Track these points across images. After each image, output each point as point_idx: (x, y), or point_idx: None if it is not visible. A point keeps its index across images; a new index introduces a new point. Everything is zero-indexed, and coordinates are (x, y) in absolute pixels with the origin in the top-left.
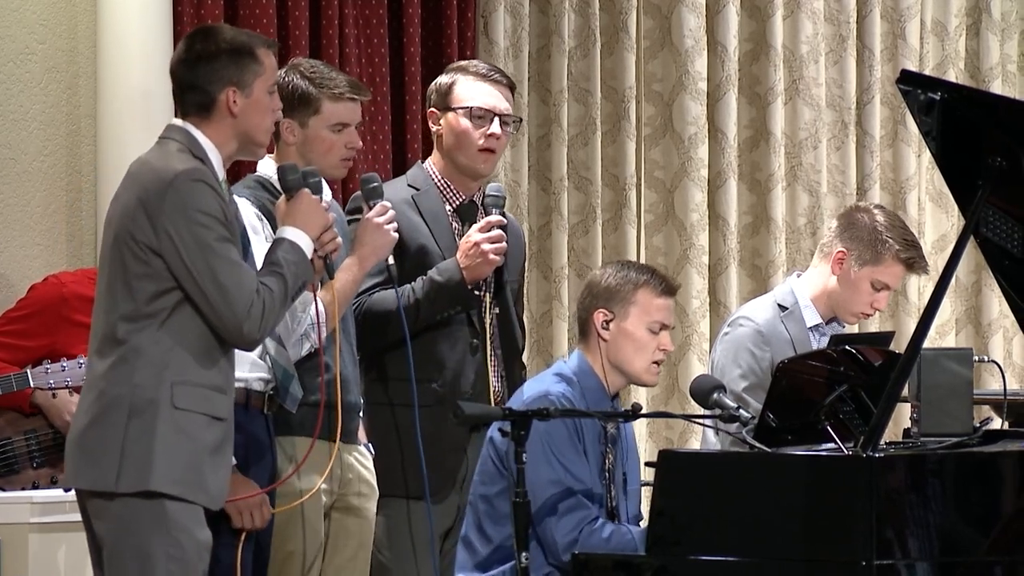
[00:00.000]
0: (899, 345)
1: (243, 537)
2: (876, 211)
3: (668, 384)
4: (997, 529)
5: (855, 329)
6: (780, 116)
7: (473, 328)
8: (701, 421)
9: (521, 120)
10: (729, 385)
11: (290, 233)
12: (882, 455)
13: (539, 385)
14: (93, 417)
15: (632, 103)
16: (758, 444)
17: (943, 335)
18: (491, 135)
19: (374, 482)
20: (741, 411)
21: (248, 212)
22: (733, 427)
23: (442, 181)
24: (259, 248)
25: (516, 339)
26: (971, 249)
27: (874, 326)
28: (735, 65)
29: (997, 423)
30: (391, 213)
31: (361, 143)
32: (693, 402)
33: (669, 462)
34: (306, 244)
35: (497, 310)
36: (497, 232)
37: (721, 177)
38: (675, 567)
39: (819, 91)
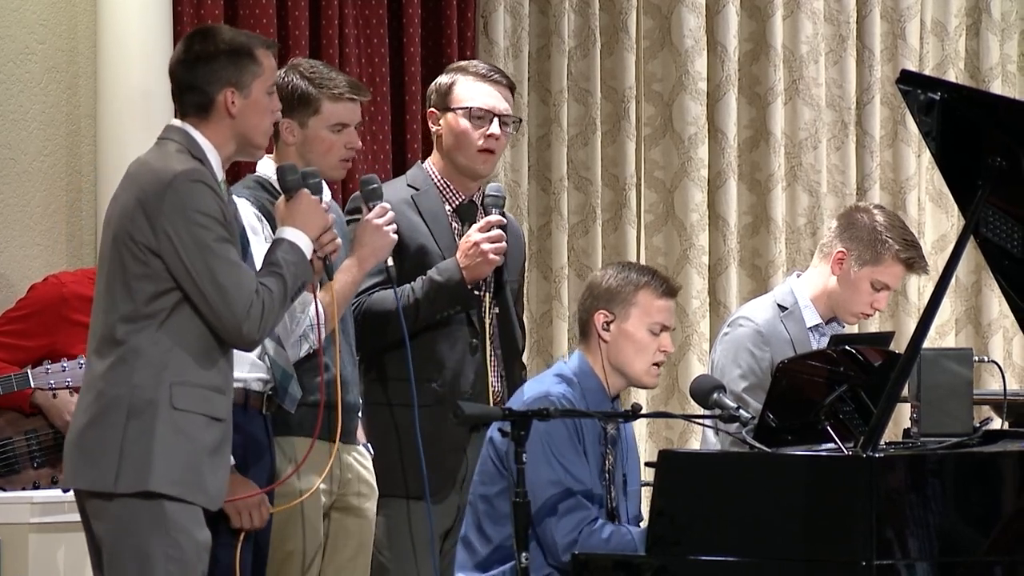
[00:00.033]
0: (899, 345)
1: (242, 537)
2: (876, 211)
3: (668, 384)
4: (997, 529)
5: (855, 329)
6: (780, 116)
7: (473, 328)
8: (701, 421)
9: (520, 120)
10: (729, 385)
11: (289, 233)
12: (882, 455)
13: (540, 386)
14: (92, 417)
15: (632, 103)
16: (758, 444)
17: (943, 335)
18: (490, 135)
19: (373, 482)
20: (741, 411)
21: (248, 213)
22: (733, 427)
23: (442, 181)
24: (258, 249)
25: (516, 339)
26: (971, 249)
27: (874, 326)
28: (735, 65)
29: (997, 423)
30: (390, 215)
31: (360, 143)
32: (693, 402)
33: (669, 462)
34: (305, 245)
35: (497, 310)
36: (497, 232)
37: (721, 177)
38: (675, 567)
39: (819, 91)
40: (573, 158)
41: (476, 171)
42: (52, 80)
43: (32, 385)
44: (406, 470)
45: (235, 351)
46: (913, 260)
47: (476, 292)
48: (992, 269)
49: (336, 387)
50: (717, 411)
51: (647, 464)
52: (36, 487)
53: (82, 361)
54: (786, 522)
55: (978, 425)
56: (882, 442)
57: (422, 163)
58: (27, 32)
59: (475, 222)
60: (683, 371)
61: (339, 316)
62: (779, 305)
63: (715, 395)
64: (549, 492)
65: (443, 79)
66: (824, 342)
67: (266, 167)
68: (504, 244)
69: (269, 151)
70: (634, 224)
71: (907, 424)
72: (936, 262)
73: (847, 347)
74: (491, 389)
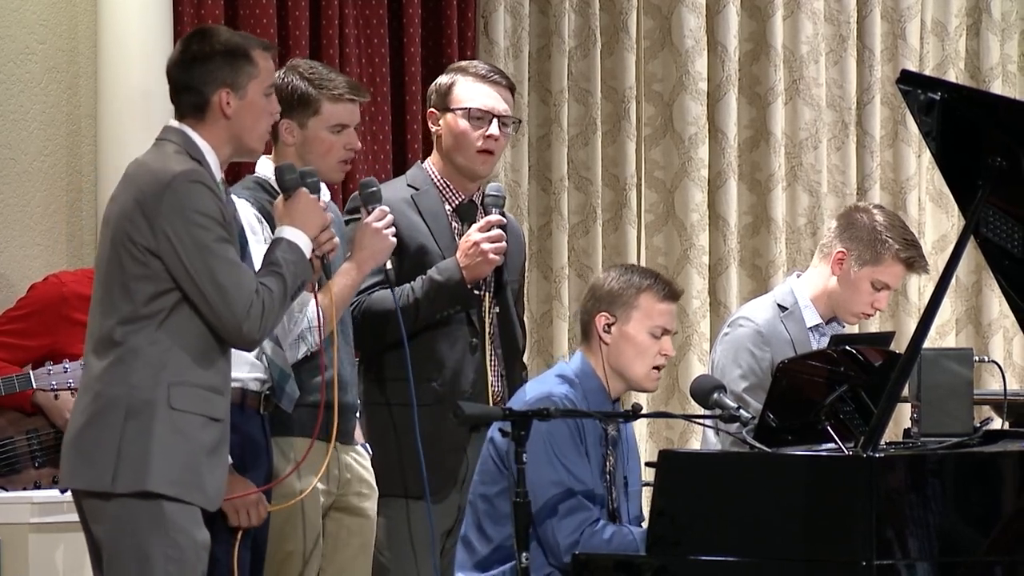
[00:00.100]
0: (899, 345)
1: (239, 536)
2: (875, 211)
3: (668, 384)
4: (997, 529)
5: (855, 329)
6: (780, 116)
7: (473, 327)
8: (701, 421)
9: (520, 121)
10: (729, 385)
11: (288, 233)
12: (882, 455)
13: (542, 386)
14: (89, 418)
15: (632, 103)
16: (758, 444)
17: (943, 335)
18: (489, 136)
19: (373, 481)
20: (741, 411)
21: (247, 213)
22: (733, 427)
23: (441, 181)
24: (257, 249)
25: (516, 339)
26: (971, 249)
27: (874, 326)
28: (735, 65)
29: (997, 423)
30: (389, 218)
31: (360, 144)
32: (693, 402)
33: (669, 462)
34: (305, 244)
35: (497, 310)
36: (497, 232)
37: (721, 177)
38: (675, 567)
39: (819, 91)
40: (573, 158)
41: (475, 171)
42: (52, 80)
43: (34, 386)
44: (406, 470)
45: (233, 351)
46: (913, 260)
47: (476, 292)
48: (992, 269)
49: (334, 388)
50: (717, 411)
51: (647, 464)
52: (37, 487)
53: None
54: (786, 522)
55: (978, 425)
56: (882, 442)
57: (422, 163)
58: (27, 32)
59: (475, 222)
60: (683, 371)
61: (337, 318)
62: (779, 305)
63: (715, 395)
64: (551, 492)
65: (443, 79)
66: (824, 342)
67: (265, 168)
68: (504, 244)
69: (268, 152)
70: (634, 224)
71: (907, 424)
72: (936, 262)
73: (847, 347)
74: (491, 389)
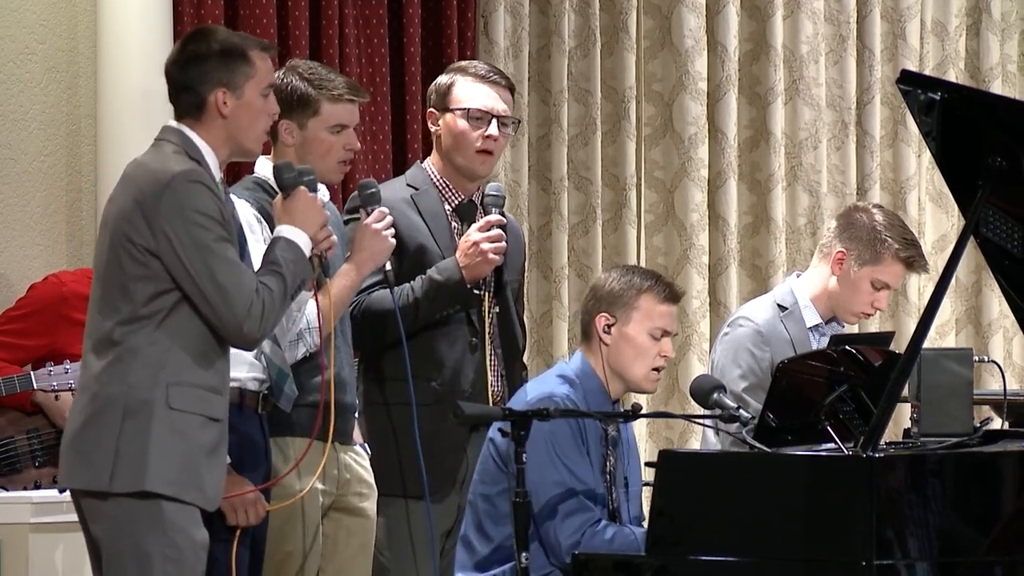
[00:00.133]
0: (899, 345)
1: (238, 536)
2: (875, 210)
3: (668, 384)
4: (997, 529)
5: (855, 329)
6: (780, 116)
7: (472, 327)
8: (701, 421)
9: (519, 122)
10: (729, 385)
11: (287, 231)
12: (882, 455)
13: (543, 386)
14: (87, 418)
15: (632, 103)
16: (758, 444)
17: (943, 335)
18: (488, 137)
19: (372, 481)
20: (741, 411)
21: (246, 213)
22: (733, 427)
23: (441, 181)
24: (256, 249)
25: (516, 338)
26: (971, 249)
27: (874, 326)
28: (735, 65)
29: (997, 423)
30: (388, 219)
31: (359, 145)
32: (693, 402)
33: (669, 462)
34: (304, 242)
35: (497, 309)
36: (496, 232)
37: (721, 177)
38: (675, 567)
39: (819, 91)
40: (573, 158)
41: (474, 172)
42: (52, 80)
43: (35, 386)
44: (405, 470)
45: (232, 351)
46: (913, 259)
47: (476, 291)
48: (992, 269)
49: (331, 388)
50: (717, 411)
51: (647, 464)
52: (38, 486)
53: None
54: (786, 522)
55: (978, 425)
56: (882, 442)
57: (421, 163)
58: (27, 32)
59: (474, 222)
60: (683, 371)
61: (336, 319)
62: (779, 305)
63: (715, 395)
64: (553, 493)
65: (442, 79)
66: (824, 342)
67: (264, 168)
68: (504, 244)
69: (267, 152)
70: (634, 224)
71: (907, 424)
72: (936, 262)
73: (847, 347)
74: (491, 388)
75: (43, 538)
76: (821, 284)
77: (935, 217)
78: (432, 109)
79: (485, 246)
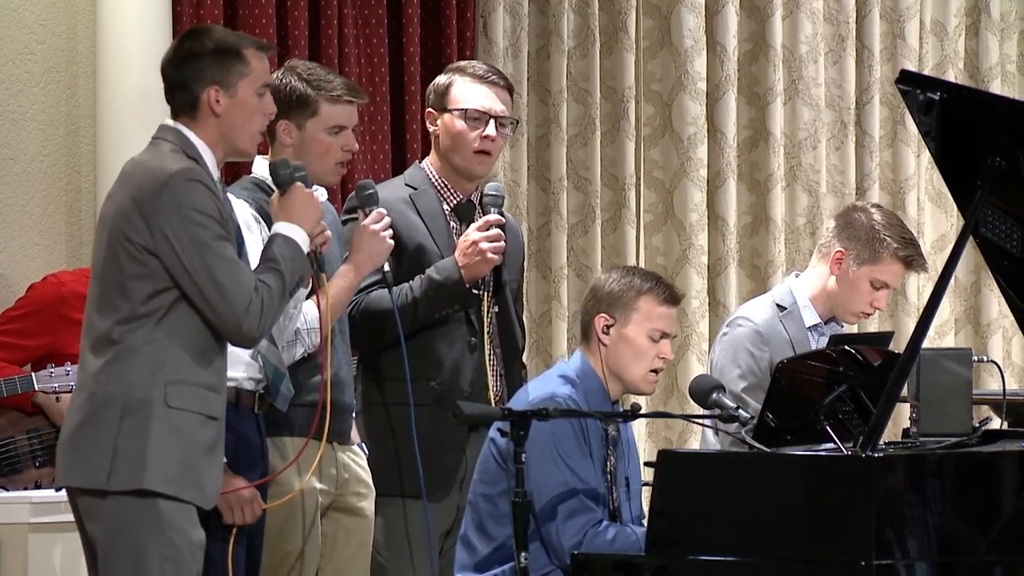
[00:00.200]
0: (898, 345)
1: (234, 534)
2: (873, 210)
3: (667, 384)
4: (996, 529)
5: (854, 329)
6: (779, 116)
7: (471, 327)
8: (700, 421)
9: (518, 122)
10: (728, 385)
11: (285, 228)
12: (881, 455)
13: (545, 386)
14: (85, 416)
15: (631, 103)
16: (757, 444)
17: (942, 335)
18: (486, 137)
19: (370, 481)
20: (740, 411)
21: (244, 211)
22: (732, 427)
23: (439, 181)
24: (254, 248)
25: (516, 338)
26: (970, 249)
27: (873, 326)
28: (734, 65)
29: (996, 423)
30: (387, 220)
31: (357, 146)
32: (692, 402)
33: (669, 462)
34: (302, 238)
35: (496, 309)
36: (495, 231)
37: (720, 177)
38: (675, 567)
39: (818, 91)
40: (572, 158)
41: (472, 172)
42: (51, 80)
43: (36, 388)
44: (403, 470)
45: (229, 350)
46: (912, 258)
47: (475, 291)
48: (991, 269)
49: (327, 387)
50: (716, 411)
51: (647, 464)
52: (38, 486)
53: None
54: (786, 522)
55: (977, 425)
56: (881, 442)
57: (420, 163)
58: (26, 32)
59: (473, 222)
60: (682, 371)
61: (335, 320)
62: (778, 305)
63: (714, 395)
64: (555, 493)
65: (441, 79)
66: (823, 342)
67: (262, 168)
68: (503, 244)
69: (265, 152)
70: (633, 224)
71: (906, 424)
72: (935, 262)
73: (846, 347)
74: (490, 388)
75: (42, 538)
76: (820, 284)
77: (934, 217)
78: (430, 109)
79: (484, 245)
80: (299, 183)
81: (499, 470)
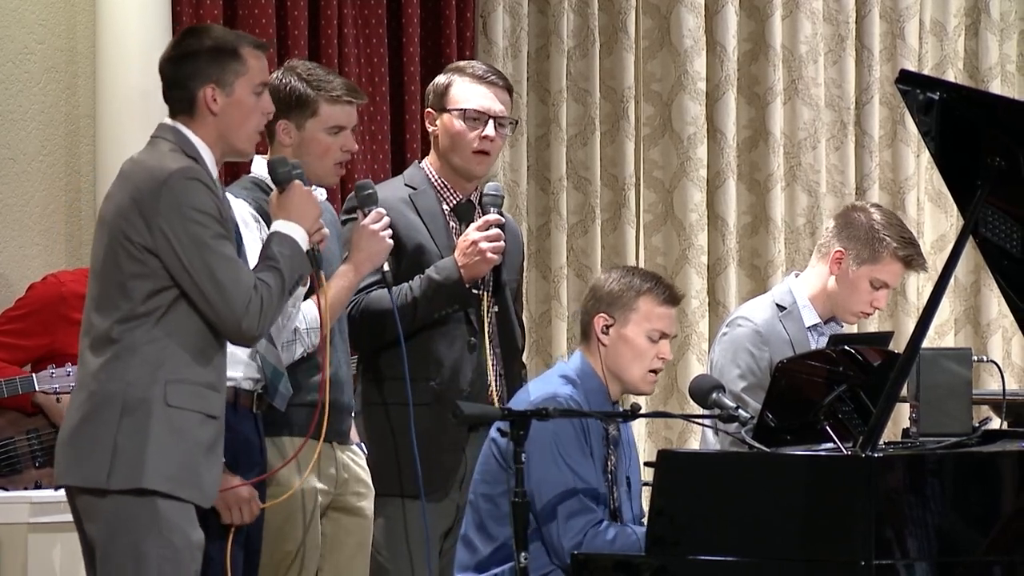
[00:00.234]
0: (898, 345)
1: (232, 534)
2: (873, 210)
3: (667, 384)
4: (996, 529)
5: (854, 329)
6: (779, 116)
7: (471, 326)
8: (700, 421)
9: (517, 122)
10: (728, 385)
11: (284, 226)
12: (881, 455)
13: (546, 386)
14: (85, 415)
15: (631, 103)
16: (757, 444)
17: (942, 335)
18: (485, 137)
19: (370, 481)
20: (740, 411)
21: (242, 210)
22: (732, 427)
23: (439, 181)
24: (253, 247)
25: (515, 338)
26: (970, 249)
27: (873, 326)
28: (734, 65)
29: (996, 423)
30: (386, 220)
31: (356, 146)
32: (692, 402)
33: (668, 462)
34: (300, 236)
35: (496, 309)
36: (495, 231)
37: (720, 177)
38: (674, 567)
39: (818, 91)
40: (572, 158)
41: (471, 172)
42: (51, 80)
43: (37, 388)
44: (403, 469)
45: (228, 349)
46: (911, 257)
47: (475, 291)
48: (991, 269)
49: (325, 387)
50: (716, 411)
51: (647, 464)
52: (38, 487)
53: None
54: (786, 522)
55: (977, 425)
56: (881, 442)
57: (419, 163)
58: (26, 32)
59: (472, 221)
60: (682, 371)
61: (334, 320)
62: (778, 305)
63: (714, 395)
64: (556, 493)
65: (440, 80)
66: (823, 342)
67: (261, 168)
68: (502, 243)
69: (264, 152)
70: (633, 224)
71: (906, 424)
72: (935, 262)
73: (846, 347)
74: (489, 388)
75: (41, 538)
76: (820, 284)
77: (934, 217)
78: (430, 109)
79: (484, 245)
80: (298, 181)
81: (500, 470)
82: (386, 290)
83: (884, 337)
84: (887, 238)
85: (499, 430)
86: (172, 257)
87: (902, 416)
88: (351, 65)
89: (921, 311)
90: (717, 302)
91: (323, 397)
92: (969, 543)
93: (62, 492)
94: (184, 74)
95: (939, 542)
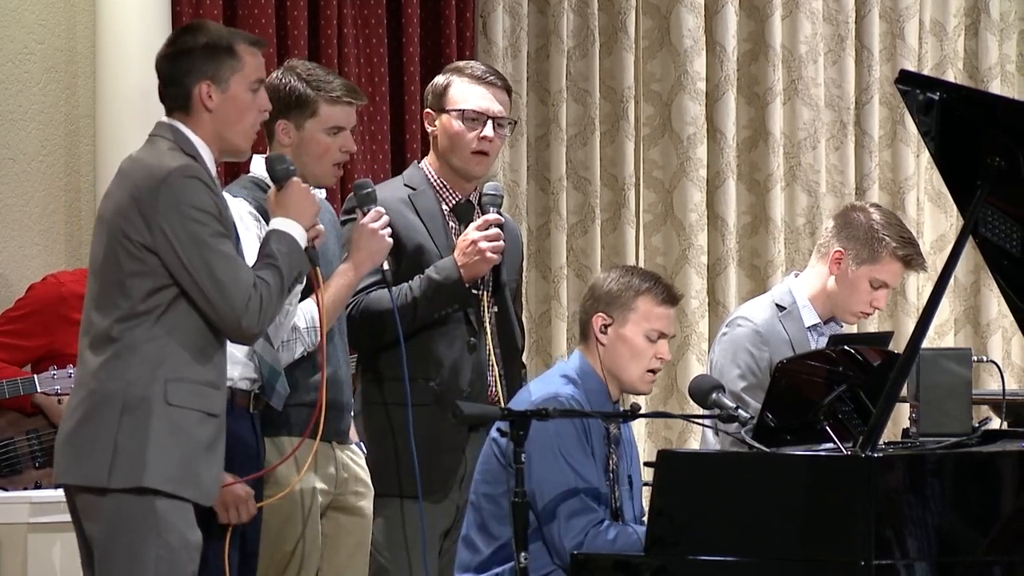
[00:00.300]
0: (898, 345)
1: (229, 534)
2: (872, 209)
3: (667, 384)
4: (996, 529)
5: (853, 329)
6: (779, 116)
7: (471, 326)
8: (700, 421)
9: (516, 122)
10: (728, 385)
11: (282, 224)
12: (881, 455)
13: (547, 386)
14: (84, 414)
15: (631, 103)
16: (757, 444)
17: (942, 335)
18: (484, 138)
19: (369, 480)
20: (740, 411)
21: (240, 209)
22: (732, 427)
23: (438, 181)
24: (252, 245)
25: (515, 338)
26: (970, 249)
27: (873, 326)
28: (734, 65)
29: (996, 423)
30: (385, 219)
31: (355, 147)
32: (692, 402)
33: (668, 462)
34: (299, 234)
35: (495, 309)
36: (495, 231)
37: (720, 177)
38: (674, 567)
39: (818, 91)
40: (572, 158)
41: (470, 172)
42: (51, 80)
43: (39, 390)
44: (402, 470)
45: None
46: (911, 257)
47: (474, 291)
48: (991, 269)
49: (322, 386)
50: (716, 411)
51: (647, 464)
52: (38, 487)
53: None
54: (786, 522)
55: (977, 425)
56: (881, 442)
57: (419, 163)
58: (26, 32)
59: (472, 221)
60: (682, 371)
61: (334, 319)
62: (777, 305)
63: (714, 395)
64: (557, 493)
65: (439, 80)
66: (823, 342)
67: (260, 167)
68: (502, 243)
69: (263, 152)
70: (633, 224)
71: (906, 424)
72: (935, 262)
73: (846, 347)
74: (489, 388)
75: (41, 538)
76: (819, 284)
77: (934, 217)
78: (429, 110)
79: (483, 245)
80: (296, 178)
81: (501, 470)
82: (386, 290)
83: (884, 337)
84: (886, 238)
85: (499, 430)
86: (171, 255)
87: (902, 416)
88: (351, 65)
89: (921, 311)
90: (717, 302)
91: (322, 396)
92: (969, 543)
93: (62, 492)
94: (180, 71)
95: (939, 542)
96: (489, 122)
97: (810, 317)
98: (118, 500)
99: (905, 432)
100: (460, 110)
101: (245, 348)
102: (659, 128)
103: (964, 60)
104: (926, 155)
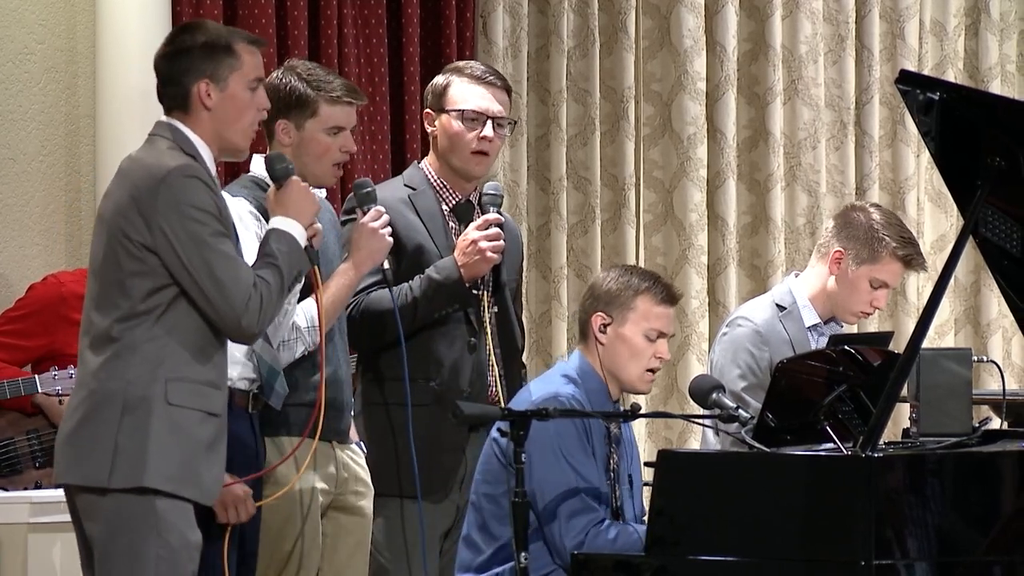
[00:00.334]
0: (898, 345)
1: (228, 534)
2: (872, 209)
3: (667, 384)
4: (996, 529)
5: (854, 329)
6: (779, 116)
7: (471, 326)
8: (700, 421)
9: (516, 122)
10: (728, 385)
11: (282, 223)
12: (881, 455)
13: (548, 386)
14: (84, 414)
15: (631, 103)
16: (757, 444)
17: (942, 335)
18: (483, 138)
19: (369, 480)
20: (740, 411)
21: (239, 208)
22: (732, 427)
23: (438, 181)
24: (251, 245)
25: (515, 338)
26: (970, 249)
27: (873, 326)
28: (734, 65)
29: (996, 423)
30: (385, 218)
31: (355, 148)
32: (692, 402)
33: (668, 462)
34: (299, 232)
35: (496, 309)
36: (495, 231)
37: (720, 177)
38: (674, 567)
39: (818, 91)
40: (572, 158)
41: (470, 172)
42: (51, 80)
43: (40, 390)
44: (402, 470)
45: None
46: (911, 257)
47: (475, 291)
48: (991, 269)
49: (321, 386)
50: (716, 411)
51: (647, 464)
52: (38, 487)
53: None
54: (786, 522)
55: (977, 425)
56: (881, 442)
57: (419, 163)
58: (26, 32)
59: (472, 221)
60: (682, 371)
61: (334, 318)
62: (777, 305)
63: (714, 395)
64: (558, 492)
65: (439, 80)
66: (823, 342)
67: (260, 167)
68: (502, 243)
69: (262, 151)
70: (633, 224)
71: (906, 424)
72: (935, 262)
73: (846, 347)
74: (490, 388)
75: (41, 538)
76: (819, 284)
77: (934, 217)
78: (428, 110)
79: (483, 244)
80: (295, 177)
81: (502, 470)
82: (386, 290)
83: (884, 337)
84: (886, 238)
85: (500, 430)
86: (171, 255)
87: (902, 416)
88: (351, 65)
89: (921, 311)
90: (717, 302)
91: (321, 396)
92: (969, 543)
93: (62, 492)
94: (178, 70)
95: (939, 542)
96: (489, 122)
97: (810, 317)
98: (118, 500)
99: (905, 432)
100: (460, 110)
101: (244, 348)
102: (659, 128)
103: (964, 60)
104: (926, 155)
